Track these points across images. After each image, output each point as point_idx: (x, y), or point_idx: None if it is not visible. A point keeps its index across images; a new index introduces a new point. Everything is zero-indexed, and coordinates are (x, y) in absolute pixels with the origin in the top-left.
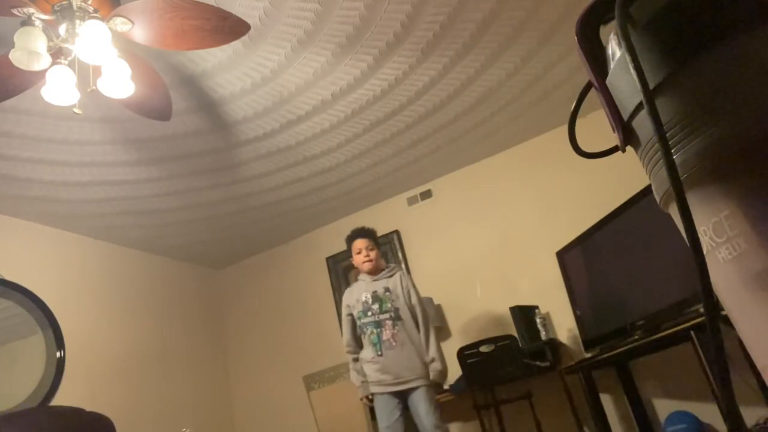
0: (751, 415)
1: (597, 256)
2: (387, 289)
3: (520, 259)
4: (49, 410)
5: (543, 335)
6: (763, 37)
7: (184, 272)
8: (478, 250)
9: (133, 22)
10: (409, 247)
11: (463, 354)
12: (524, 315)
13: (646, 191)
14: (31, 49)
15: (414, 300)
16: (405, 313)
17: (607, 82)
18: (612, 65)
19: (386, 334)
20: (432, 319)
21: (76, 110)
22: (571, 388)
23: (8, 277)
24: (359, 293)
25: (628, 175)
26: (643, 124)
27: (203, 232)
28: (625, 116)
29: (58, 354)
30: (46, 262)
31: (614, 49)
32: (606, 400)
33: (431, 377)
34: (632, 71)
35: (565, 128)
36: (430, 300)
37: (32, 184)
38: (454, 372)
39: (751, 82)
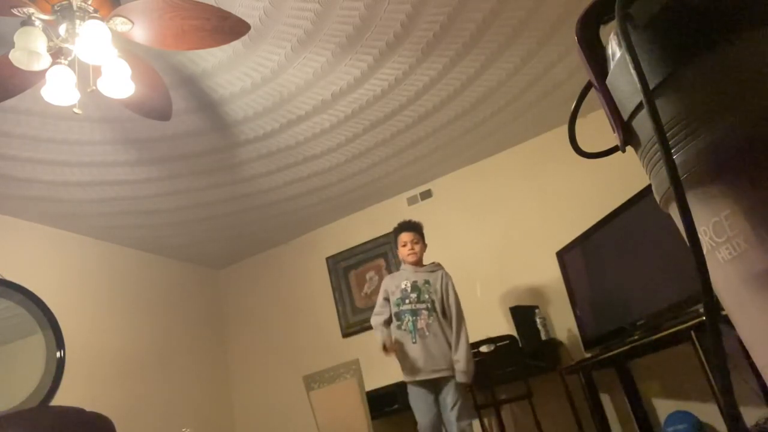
0: (751, 415)
1: (597, 256)
2: (427, 282)
3: (520, 259)
4: (49, 410)
5: (543, 335)
6: (762, 38)
7: (184, 272)
8: (478, 250)
9: (133, 22)
10: None
11: None
12: (524, 315)
13: (646, 191)
14: (31, 49)
15: (452, 300)
16: (439, 309)
17: (607, 82)
18: (612, 65)
19: (421, 323)
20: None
21: (76, 110)
22: (571, 388)
23: (8, 277)
24: (400, 280)
25: (628, 175)
26: (643, 124)
27: (203, 232)
28: (625, 116)
29: (58, 354)
30: (46, 262)
31: (614, 49)
32: (606, 400)
33: (456, 377)
34: (632, 71)
35: (565, 128)
36: None
37: (32, 184)
38: None
39: (751, 82)
